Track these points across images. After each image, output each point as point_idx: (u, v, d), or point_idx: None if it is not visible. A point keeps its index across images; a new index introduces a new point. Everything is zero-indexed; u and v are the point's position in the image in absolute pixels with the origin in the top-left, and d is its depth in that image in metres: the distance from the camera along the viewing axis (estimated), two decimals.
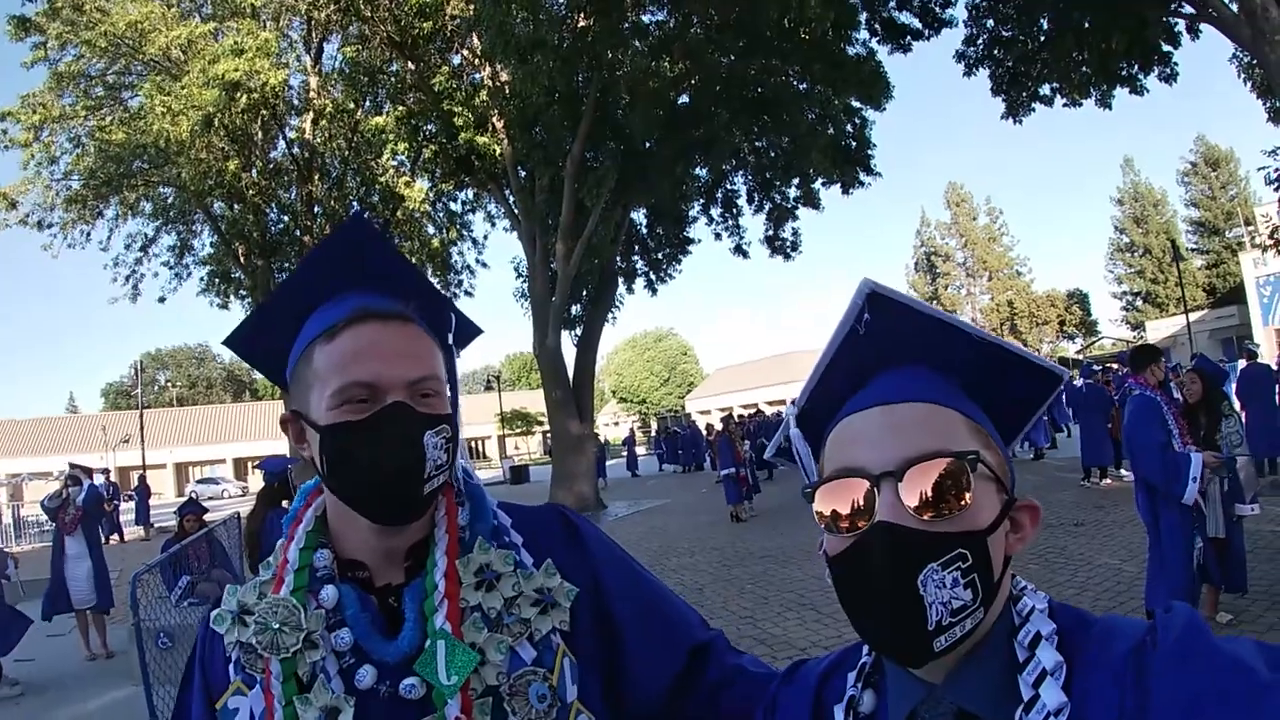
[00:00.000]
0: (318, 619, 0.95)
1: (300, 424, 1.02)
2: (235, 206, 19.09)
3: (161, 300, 21.33)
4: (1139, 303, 55.83)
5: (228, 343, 1.13)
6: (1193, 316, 33.91)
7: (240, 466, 52.54)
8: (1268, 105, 12.49)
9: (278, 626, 0.94)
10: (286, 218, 20.07)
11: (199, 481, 45.83)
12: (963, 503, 0.75)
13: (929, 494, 0.75)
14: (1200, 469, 4.72)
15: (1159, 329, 41.41)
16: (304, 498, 1.10)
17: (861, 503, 0.78)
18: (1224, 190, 48.64)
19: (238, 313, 21.59)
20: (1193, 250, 49.36)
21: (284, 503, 6.06)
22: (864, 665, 0.90)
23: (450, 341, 1.11)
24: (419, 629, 0.96)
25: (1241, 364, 12.38)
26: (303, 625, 0.94)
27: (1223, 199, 48.31)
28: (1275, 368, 12.35)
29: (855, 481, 0.79)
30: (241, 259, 19.53)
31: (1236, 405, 9.33)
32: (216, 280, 21.59)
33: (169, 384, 72.21)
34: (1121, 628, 0.75)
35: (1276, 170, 12.01)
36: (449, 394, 1.03)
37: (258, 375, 75.43)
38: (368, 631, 0.96)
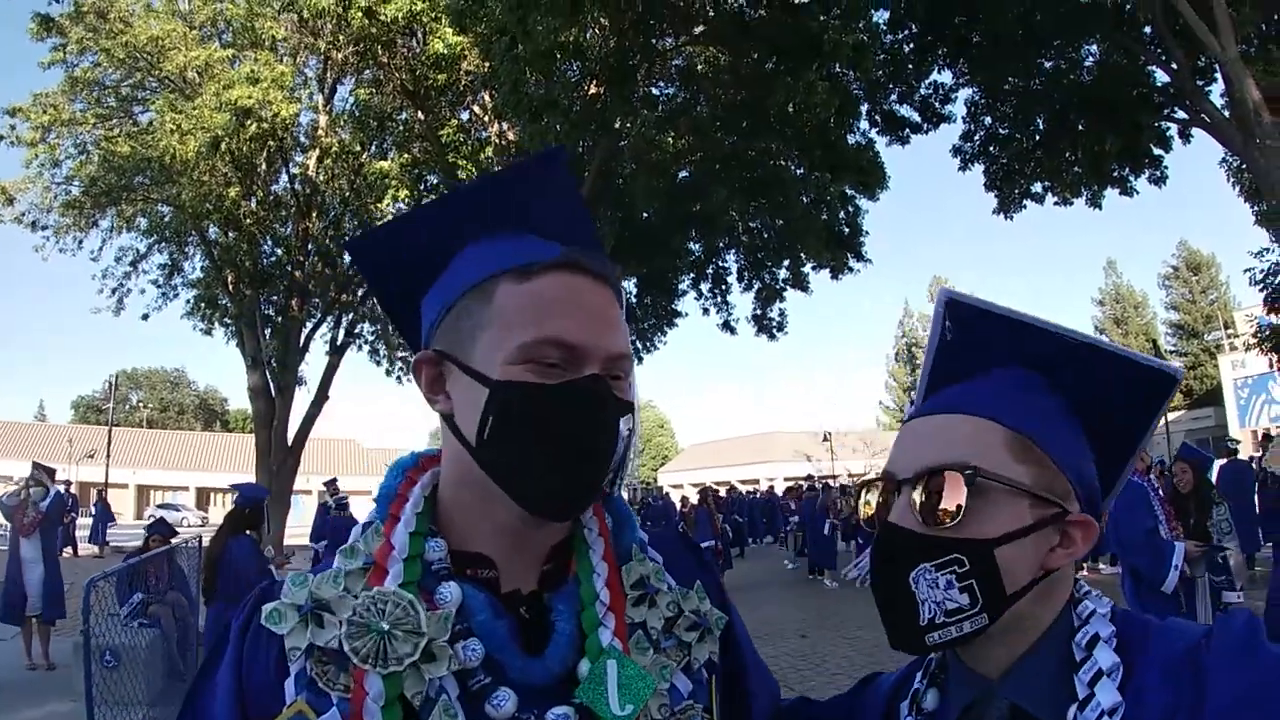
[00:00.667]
0: (441, 623, 0.75)
1: (444, 369, 0.84)
2: (230, 234, 19.06)
3: (145, 318, 21.19)
4: None
5: (360, 238, 0.94)
6: (1171, 416, 34.37)
7: (203, 496, 51.54)
8: (1254, 209, 13.01)
9: (388, 628, 0.72)
10: (280, 251, 20.07)
11: (160, 506, 44.78)
12: (956, 513, 0.79)
13: (933, 501, 0.81)
14: (1182, 557, 4.76)
15: None
16: (402, 474, 0.89)
17: (882, 502, 0.87)
18: (1204, 294, 49.79)
19: (220, 340, 21.45)
20: (1171, 352, 50.27)
21: (249, 532, 5.98)
22: (929, 663, 0.93)
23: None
24: (572, 645, 0.80)
25: (1222, 461, 12.63)
26: (422, 628, 0.73)
27: (1203, 303, 49.43)
28: (1254, 466, 12.56)
29: (886, 484, 0.87)
30: (230, 286, 19.46)
31: None
32: (203, 305, 21.43)
33: (141, 404, 71.15)
34: (1180, 629, 0.79)
35: (1262, 271, 12.39)
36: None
37: (231, 406, 74.90)
38: (505, 644, 0.77)
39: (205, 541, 7.11)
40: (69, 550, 19.88)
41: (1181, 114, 15.57)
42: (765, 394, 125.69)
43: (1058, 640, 0.81)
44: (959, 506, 0.79)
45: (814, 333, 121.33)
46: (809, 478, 21.18)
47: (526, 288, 0.80)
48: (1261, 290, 12.53)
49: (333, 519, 12.52)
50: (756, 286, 18.82)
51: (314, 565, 0.85)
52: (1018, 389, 0.87)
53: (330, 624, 0.74)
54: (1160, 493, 5.17)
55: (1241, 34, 12.43)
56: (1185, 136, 16.24)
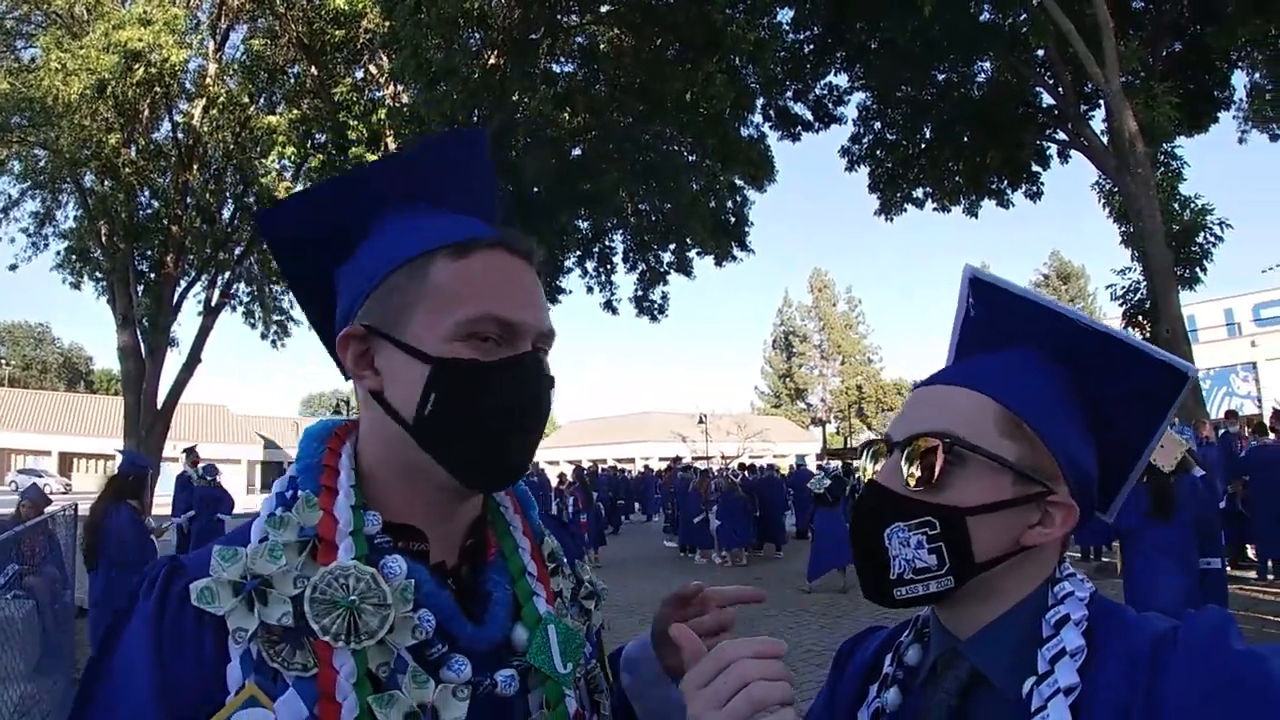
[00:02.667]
0: (403, 595, 0.74)
1: (372, 345, 0.82)
2: (107, 183, 18.07)
3: (13, 268, 19.82)
4: None
5: (270, 209, 0.90)
6: None
7: (65, 461, 48.52)
8: (1122, 230, 13.93)
9: (357, 602, 0.71)
10: (158, 203, 19.13)
11: (20, 472, 41.98)
12: (933, 478, 0.83)
13: (916, 466, 0.84)
14: None
15: None
16: (321, 443, 0.86)
17: (878, 464, 0.91)
18: (1072, 304, 52.48)
19: (89, 295, 20.25)
20: None
21: (131, 501, 5.78)
22: (918, 620, 0.97)
23: None
24: (508, 614, 0.83)
25: None
26: (388, 602, 0.72)
27: None
28: None
29: (882, 445, 0.91)
30: (104, 239, 18.42)
31: None
32: (74, 257, 20.21)
33: (2, 361, 66.27)
34: (1149, 623, 0.79)
35: (1123, 287, 13.38)
36: None
37: (96, 366, 70.56)
38: (454, 614, 0.79)
39: (80, 510, 6.76)
40: None
41: (1062, 136, 16.43)
42: (643, 375, 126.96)
43: (1028, 614, 0.83)
44: (935, 471, 0.82)
45: (694, 317, 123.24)
46: (677, 459, 21.59)
47: (464, 264, 0.81)
48: (1122, 305, 13.56)
49: (201, 489, 11.99)
50: (641, 268, 19.08)
51: (180, 540, 0.84)
52: (1025, 370, 0.89)
53: (276, 600, 0.71)
54: None
55: (1127, 67, 13.27)
56: (1064, 157, 17.24)
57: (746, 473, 17.23)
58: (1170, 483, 5.35)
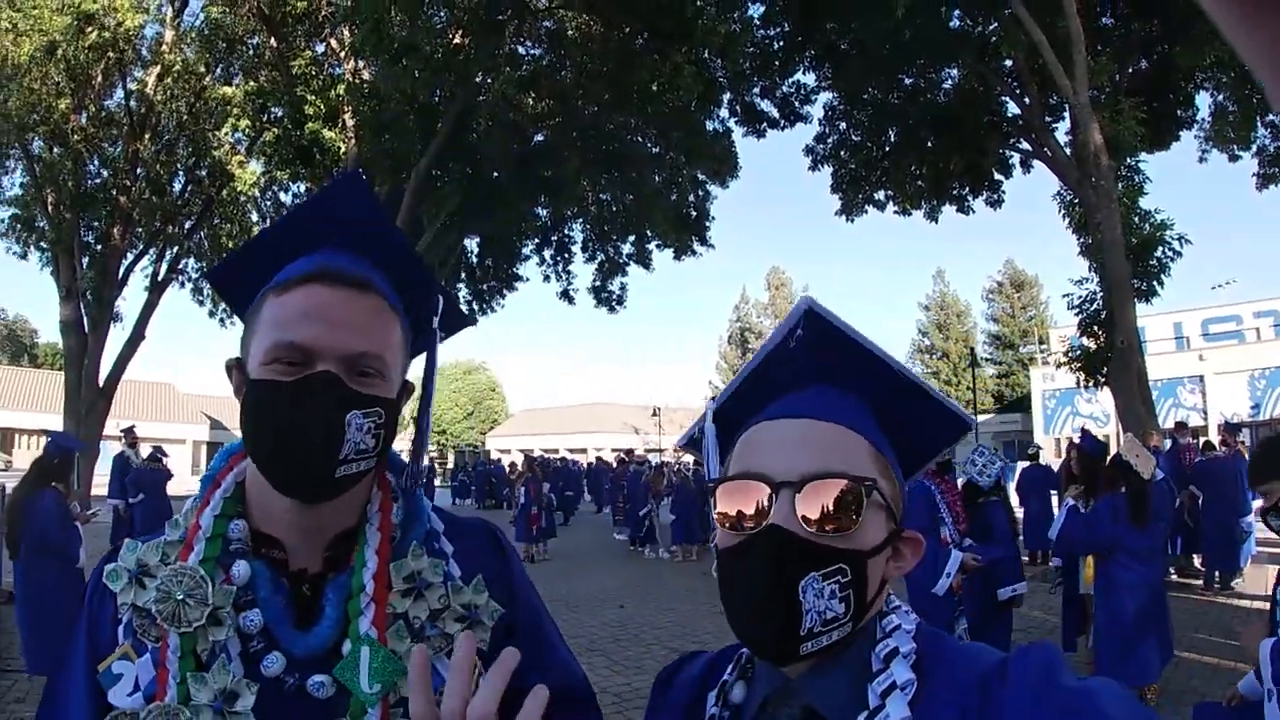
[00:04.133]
0: (226, 594, 0.89)
1: (239, 373, 0.95)
2: (56, 149, 17.49)
3: None
4: None
5: (211, 274, 1.10)
6: (981, 418, 37.01)
7: (7, 437, 47.04)
8: (1081, 241, 14.09)
9: (181, 597, 0.86)
10: (107, 173, 18.53)
11: None
12: (853, 524, 0.79)
13: (823, 510, 0.79)
14: (957, 566, 4.78)
15: None
16: (225, 459, 1.02)
17: (760, 506, 0.81)
18: (1024, 311, 53.40)
19: (34, 266, 19.57)
20: (987, 360, 53.72)
21: (55, 484, 5.61)
22: (741, 656, 0.93)
23: (435, 325, 1.05)
24: (337, 627, 0.91)
25: (1023, 464, 13.72)
26: (209, 600, 0.87)
27: (1021, 319, 52.84)
28: (1055, 470, 13.74)
29: (757, 485, 0.82)
30: (50, 208, 17.79)
31: (1015, 501, 10.23)
32: (19, 226, 19.51)
33: None
34: (977, 655, 0.79)
35: (1079, 297, 13.58)
36: (400, 379, 0.97)
37: (41, 339, 68.82)
38: (281, 617, 0.90)
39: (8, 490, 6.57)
40: None
41: (1026, 145, 16.48)
42: (597, 365, 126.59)
43: (858, 649, 0.82)
44: (853, 515, 0.79)
45: (651, 310, 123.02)
46: (630, 452, 21.49)
47: (280, 300, 0.92)
48: (1078, 315, 13.73)
49: (148, 470, 11.71)
50: (600, 259, 18.90)
51: (116, 521, 1.09)
52: (862, 408, 0.89)
53: (149, 586, 0.89)
54: (945, 495, 5.30)
55: (1095, 81, 13.39)
56: (1026, 166, 17.26)
57: (699, 467, 17.19)
58: (1149, 489, 5.34)
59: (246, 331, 0.95)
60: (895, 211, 18.49)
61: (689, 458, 20.44)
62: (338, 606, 0.92)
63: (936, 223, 18.47)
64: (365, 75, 15.83)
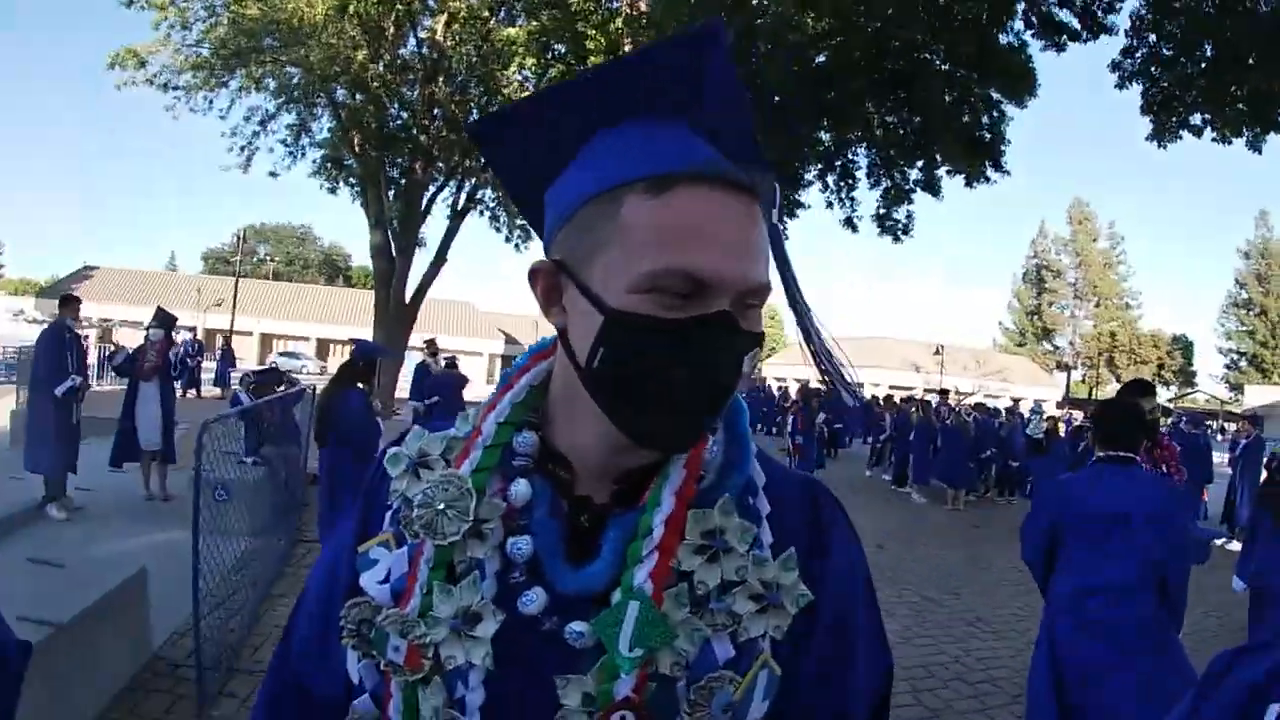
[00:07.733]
0: (493, 508, 0.78)
1: (561, 281, 0.78)
2: (358, 96, 19.25)
3: (274, 175, 21.93)
4: (1243, 364, 52.89)
5: (480, 121, 0.84)
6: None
7: (323, 347, 54.31)
8: None
9: (441, 507, 0.77)
10: (406, 115, 20.22)
11: (281, 354, 47.69)
12: None
13: None
14: None
15: (1259, 395, 39.01)
16: (527, 359, 0.90)
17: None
18: None
19: (345, 199, 22.13)
20: None
21: (360, 385, 6.17)
22: None
23: (775, 218, 0.80)
24: (611, 570, 0.76)
25: None
26: (469, 514, 0.77)
27: None
28: None
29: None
30: (356, 148, 19.81)
31: None
32: (329, 165, 21.99)
33: (268, 257, 74.61)
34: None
35: None
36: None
37: (354, 263, 78.24)
38: (552, 547, 0.78)
39: (319, 391, 7.33)
40: (192, 392, 20.99)
41: None
42: (879, 297, 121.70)
43: None
44: None
45: (938, 241, 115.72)
46: (908, 398, 20.64)
47: (658, 204, 0.70)
48: None
49: (444, 375, 13.23)
50: (885, 185, 17.87)
51: (414, 420, 0.96)
52: None
53: (425, 478, 0.82)
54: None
55: None
56: None
57: (977, 412, 16.31)
58: None
59: (576, 228, 0.75)
60: (1213, 139, 15.75)
61: (971, 399, 19.30)
62: (617, 548, 0.77)
63: (1260, 153, 15.53)
64: (642, 6, 15.94)
